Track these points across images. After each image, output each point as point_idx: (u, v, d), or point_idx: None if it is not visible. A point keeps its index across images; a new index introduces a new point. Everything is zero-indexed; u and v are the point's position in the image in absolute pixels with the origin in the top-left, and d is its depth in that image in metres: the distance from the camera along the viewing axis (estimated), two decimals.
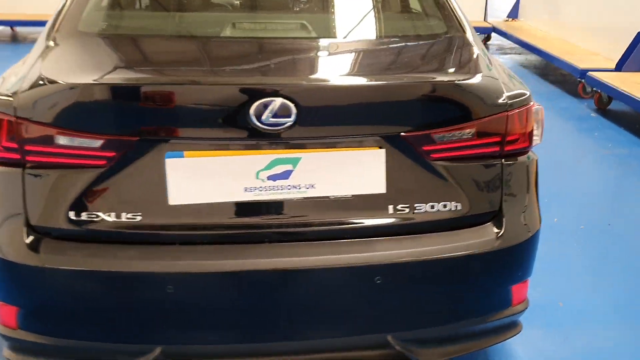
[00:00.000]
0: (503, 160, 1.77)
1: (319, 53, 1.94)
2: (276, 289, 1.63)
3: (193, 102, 1.58)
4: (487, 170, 1.76)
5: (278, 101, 1.53)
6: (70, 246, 1.60)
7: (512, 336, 1.98)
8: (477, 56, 1.92)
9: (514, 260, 1.81)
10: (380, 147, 1.65)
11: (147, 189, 1.60)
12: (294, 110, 1.55)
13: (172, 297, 1.59)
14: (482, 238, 1.73)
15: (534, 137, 1.86)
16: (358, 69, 1.84)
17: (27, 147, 1.57)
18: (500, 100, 1.73)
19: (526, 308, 1.92)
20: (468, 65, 1.89)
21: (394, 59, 1.90)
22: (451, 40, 2.06)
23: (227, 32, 2.01)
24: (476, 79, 1.75)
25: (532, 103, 1.81)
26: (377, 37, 2.15)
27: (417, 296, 1.73)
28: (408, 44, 2.02)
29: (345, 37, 2.07)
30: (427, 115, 1.68)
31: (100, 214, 1.60)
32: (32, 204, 1.59)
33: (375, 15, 2.24)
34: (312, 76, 1.78)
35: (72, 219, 1.60)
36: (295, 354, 1.75)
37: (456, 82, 1.72)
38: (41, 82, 1.60)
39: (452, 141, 1.69)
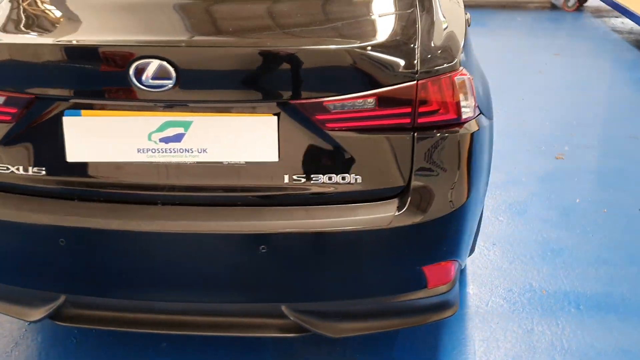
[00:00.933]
0: (415, 133, 1.65)
1: (217, 13, 1.84)
2: (164, 251, 1.65)
3: (81, 62, 1.61)
4: (394, 143, 1.65)
5: (155, 62, 1.53)
6: None
7: (444, 317, 1.88)
8: (407, 19, 1.78)
9: (423, 238, 1.70)
10: (273, 114, 1.60)
11: (49, 145, 1.66)
12: (172, 72, 1.53)
13: (67, 250, 1.66)
14: (380, 214, 1.64)
15: (463, 109, 1.72)
16: (251, 31, 1.76)
17: None
18: (407, 69, 1.60)
19: (450, 290, 1.81)
20: (383, 29, 1.76)
21: (301, 21, 1.80)
22: (394, 1, 1.92)
23: None
24: (378, 45, 1.63)
25: (454, 72, 1.67)
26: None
27: (308, 269, 1.68)
28: (335, 4, 1.89)
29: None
30: (321, 83, 1.60)
31: (9, 166, 1.70)
32: None
33: None
34: (195, 38, 1.72)
35: None
36: (191, 315, 1.77)
37: (352, 48, 1.61)
38: None
39: (350, 111, 1.60)
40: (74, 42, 1.64)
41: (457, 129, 1.71)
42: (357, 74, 1.60)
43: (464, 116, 1.72)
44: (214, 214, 1.65)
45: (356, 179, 1.65)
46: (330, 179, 1.65)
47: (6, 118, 1.66)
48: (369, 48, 1.61)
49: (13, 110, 1.64)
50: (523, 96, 4.71)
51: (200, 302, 1.74)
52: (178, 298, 1.74)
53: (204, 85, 1.59)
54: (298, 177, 1.65)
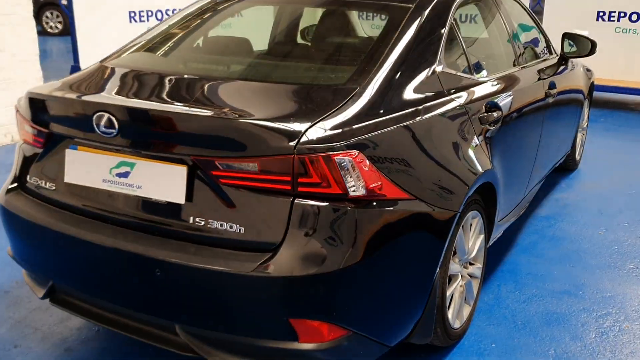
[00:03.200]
0: (295, 199, 1.90)
1: (159, 86, 2.34)
2: (101, 259, 2.14)
3: (75, 111, 2.21)
4: (275, 205, 1.92)
5: (105, 115, 2.06)
6: (25, 197, 2.41)
7: None
8: (317, 105, 2.06)
9: (286, 292, 1.91)
10: (184, 166, 2.01)
11: (58, 168, 2.30)
12: (115, 123, 2.04)
13: (52, 244, 2.25)
14: (248, 262, 1.90)
15: (349, 187, 1.92)
16: (174, 101, 2.20)
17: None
18: (287, 143, 1.88)
19: (326, 350, 1.95)
20: (285, 107, 2.05)
21: (215, 98, 2.19)
22: (325, 89, 2.21)
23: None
24: (264, 121, 1.93)
25: (337, 152, 1.89)
26: (251, 79, 2.44)
27: (191, 297, 2.01)
28: (275, 89, 2.25)
29: (217, 77, 2.42)
30: (216, 145, 1.96)
31: (37, 179, 2.37)
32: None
33: (274, 63, 2.51)
34: (133, 100, 2.21)
35: (27, 181, 2.40)
36: (123, 315, 2.21)
37: (240, 120, 1.94)
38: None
39: (238, 171, 1.93)
40: (74, 98, 2.27)
41: (341, 204, 1.92)
42: (244, 142, 1.93)
43: (351, 193, 1.92)
44: (134, 237, 2.09)
45: (240, 229, 1.95)
46: (221, 225, 1.98)
47: (38, 145, 2.34)
48: (254, 122, 1.94)
49: (41, 140, 2.32)
50: None
51: (121, 305, 2.18)
52: (108, 298, 2.20)
53: (136, 136, 2.07)
54: (199, 219, 2.01)
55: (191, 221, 2.03)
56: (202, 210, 2.01)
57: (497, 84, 2.93)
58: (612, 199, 4.50)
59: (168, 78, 2.40)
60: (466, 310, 2.74)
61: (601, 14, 7.58)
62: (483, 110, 2.67)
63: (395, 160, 2.10)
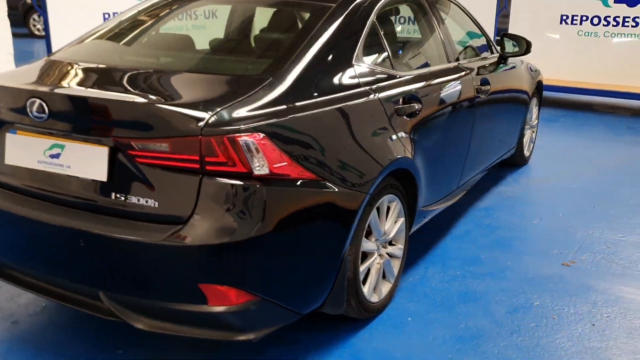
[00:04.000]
0: (204, 177, 2.12)
1: (87, 74, 2.57)
2: (38, 233, 2.36)
3: (12, 98, 2.43)
4: (185, 182, 2.14)
5: (37, 101, 2.27)
6: None
7: (236, 339, 2.25)
8: (230, 93, 2.29)
9: (193, 259, 2.13)
10: (106, 146, 2.22)
11: (0, 152, 2.51)
12: (46, 109, 2.26)
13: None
14: (161, 232, 2.12)
15: (255, 166, 2.14)
16: (98, 87, 2.43)
17: None
18: (194, 126, 2.10)
19: (234, 312, 2.17)
20: (195, 96, 2.29)
21: (149, 86, 2.41)
22: (241, 79, 2.44)
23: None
24: (175, 106, 2.16)
25: (241, 133, 2.11)
26: (174, 70, 2.63)
27: (110, 265, 2.22)
28: (195, 78, 2.48)
29: (145, 68, 2.61)
30: (132, 127, 2.18)
31: None
32: None
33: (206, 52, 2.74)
34: (63, 88, 2.43)
35: None
36: (59, 286, 2.42)
37: (154, 105, 2.17)
38: None
39: (151, 151, 2.15)
40: (11, 86, 2.48)
41: (245, 181, 2.14)
42: (156, 124, 2.15)
43: (255, 172, 2.14)
44: (66, 213, 2.30)
45: (155, 204, 2.17)
46: (138, 200, 2.19)
47: None
48: (163, 106, 2.17)
49: None
50: None
51: (55, 276, 2.40)
52: (44, 269, 2.41)
53: (64, 120, 2.29)
54: (119, 195, 2.23)
55: (113, 197, 2.24)
56: (122, 187, 2.23)
57: (420, 79, 3.16)
58: (553, 193, 4.74)
59: (99, 69, 2.63)
60: (386, 287, 2.95)
61: (564, 17, 7.83)
62: (401, 102, 2.90)
63: (303, 144, 2.32)
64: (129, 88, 2.45)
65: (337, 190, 2.41)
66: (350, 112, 2.58)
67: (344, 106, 2.56)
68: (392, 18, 3.48)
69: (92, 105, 2.26)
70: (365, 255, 2.78)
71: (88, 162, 2.28)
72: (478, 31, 4.31)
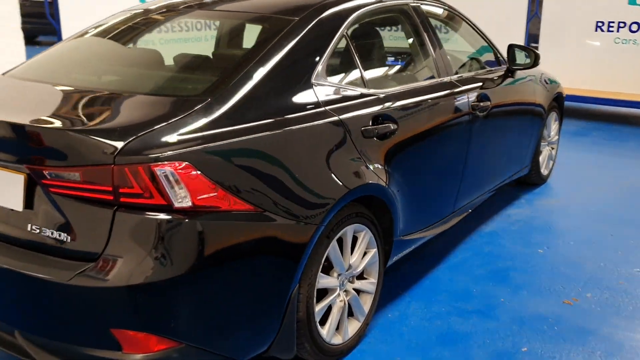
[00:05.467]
0: (118, 210, 1.91)
1: (28, 96, 2.40)
2: None
3: None
4: (98, 214, 1.93)
5: None
6: None
7: None
8: (158, 116, 2.06)
9: (102, 302, 1.91)
10: (22, 173, 2.04)
11: None
12: None
13: None
14: (68, 271, 1.92)
15: (175, 199, 1.91)
16: (24, 110, 2.24)
17: None
18: (106, 153, 1.89)
19: None
20: (117, 120, 2.07)
21: (71, 109, 2.21)
22: (178, 100, 2.19)
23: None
24: (88, 131, 1.95)
25: (157, 163, 1.89)
26: (111, 90, 2.36)
27: (20, 303, 2.03)
28: (128, 99, 2.25)
29: (80, 88, 2.40)
30: (45, 154, 1.99)
31: None
32: None
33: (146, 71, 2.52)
34: None
35: None
36: None
37: (65, 130, 1.97)
38: None
39: (64, 180, 1.95)
40: None
41: (165, 215, 1.92)
42: (68, 151, 1.95)
43: (176, 204, 1.92)
44: None
45: (67, 238, 1.97)
46: (52, 233, 2.00)
47: None
48: (80, 132, 1.96)
49: None
50: None
51: None
52: None
53: None
54: (35, 226, 2.04)
55: (29, 228, 2.05)
56: (38, 218, 2.04)
57: (397, 97, 2.87)
58: (568, 217, 4.35)
59: (37, 88, 2.45)
60: (353, 326, 2.68)
61: (600, 24, 7.36)
62: (370, 123, 2.63)
63: (240, 172, 2.08)
64: (53, 111, 2.26)
65: (280, 222, 2.16)
66: (301, 135, 2.33)
67: (295, 129, 2.30)
68: (371, 31, 3.20)
69: (9, 129, 2.08)
70: (326, 292, 2.52)
71: (5, 189, 2.10)
72: (485, 43, 3.99)
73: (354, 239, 2.63)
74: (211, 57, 2.89)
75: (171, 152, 1.93)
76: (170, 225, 1.93)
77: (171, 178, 1.91)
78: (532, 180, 4.83)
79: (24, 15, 6.01)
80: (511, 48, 3.92)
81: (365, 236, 2.66)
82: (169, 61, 2.77)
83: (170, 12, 3.07)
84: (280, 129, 2.25)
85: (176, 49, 2.99)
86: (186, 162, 1.94)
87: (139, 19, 3.00)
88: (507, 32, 7.78)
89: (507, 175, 4.20)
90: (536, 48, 7.95)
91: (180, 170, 1.92)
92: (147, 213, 1.92)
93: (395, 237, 2.88)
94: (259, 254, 2.14)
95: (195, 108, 2.11)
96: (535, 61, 3.89)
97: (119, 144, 1.91)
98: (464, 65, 3.85)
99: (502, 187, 4.25)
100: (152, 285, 1.91)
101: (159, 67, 2.68)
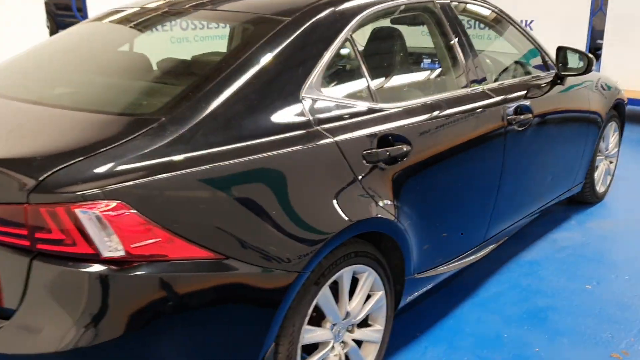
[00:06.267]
0: (35, 258, 1.58)
1: None
2: None
3: None
4: (13, 263, 1.62)
5: None
6: None
7: None
8: (92, 141, 1.72)
9: None
10: None
11: None
12: None
13: None
14: None
15: (103, 246, 1.57)
16: None
17: None
18: (19, 190, 1.56)
19: None
20: (41, 146, 1.73)
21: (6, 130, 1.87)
22: (124, 120, 1.85)
23: None
24: (3, 162, 1.62)
25: (81, 203, 1.54)
26: (56, 105, 2.02)
27: None
28: (68, 118, 1.92)
29: (43, 101, 2.07)
30: None
31: None
32: None
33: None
34: None
35: None
36: None
37: None
38: None
39: None
40: None
41: (91, 266, 1.58)
42: None
43: (105, 253, 1.58)
44: None
45: None
46: None
47: None
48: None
49: None
50: None
51: None
52: None
53: None
54: None
55: None
56: None
57: (411, 112, 2.44)
58: (626, 243, 3.80)
59: None
60: None
61: None
62: (374, 145, 2.22)
63: (196, 209, 1.72)
64: None
65: (248, 272, 1.79)
66: (281, 162, 1.93)
67: (273, 155, 1.91)
68: (385, 35, 2.77)
69: None
70: (317, 346, 2.14)
71: None
72: (532, 46, 3.48)
73: (355, 280, 2.24)
74: (186, 64, 2.52)
75: (99, 188, 1.57)
76: (96, 279, 1.58)
77: (99, 221, 1.56)
78: (586, 199, 4.28)
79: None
80: (561, 51, 3.41)
81: (369, 278, 2.26)
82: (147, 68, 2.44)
83: (156, 12, 2.71)
84: (252, 155, 1.86)
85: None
86: (118, 201, 1.58)
87: (125, 19, 2.67)
88: (568, 29, 7.15)
89: (554, 195, 3.69)
90: (600, 46, 7.29)
91: (108, 212, 1.57)
92: (69, 263, 1.58)
93: (407, 276, 2.47)
94: (219, 313, 1.78)
95: (143, 130, 1.75)
96: (587, 67, 3.36)
97: (35, 179, 1.57)
98: (505, 72, 3.37)
99: (549, 207, 3.75)
100: (71, 355, 1.57)
101: (131, 76, 2.34)
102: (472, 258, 2.97)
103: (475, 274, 3.32)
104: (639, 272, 3.39)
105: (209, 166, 1.76)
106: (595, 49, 8.25)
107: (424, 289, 2.68)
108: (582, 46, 7.19)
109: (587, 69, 3.37)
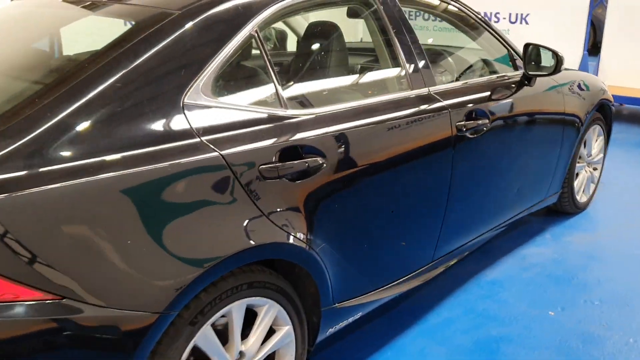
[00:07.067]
0: None
1: None
2: None
3: None
4: None
5: None
6: None
7: None
8: None
9: None
10: None
11: None
12: None
13: None
14: None
15: None
16: None
17: None
18: None
19: None
20: None
21: None
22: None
23: None
24: None
25: None
26: None
27: None
28: None
29: None
30: None
31: None
32: None
33: None
34: None
35: None
36: None
37: None
38: None
39: None
40: None
41: None
42: None
43: None
44: None
45: None
46: None
47: None
48: None
49: None
50: None
51: None
52: None
53: None
54: None
55: None
56: None
57: (327, 119, 2.11)
58: (602, 261, 3.44)
59: None
60: None
61: None
62: (275, 158, 1.90)
63: (25, 239, 1.41)
64: None
65: (93, 314, 1.49)
66: (147, 179, 1.61)
67: (132, 173, 1.59)
68: (313, 30, 2.44)
69: None
70: None
71: None
72: (499, 42, 3.13)
73: (254, 314, 1.93)
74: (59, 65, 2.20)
75: None
76: None
77: None
78: (565, 209, 3.92)
79: None
80: (528, 48, 3.05)
81: (270, 311, 1.95)
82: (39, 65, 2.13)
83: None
84: (107, 172, 1.56)
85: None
86: None
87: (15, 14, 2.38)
88: (566, 21, 6.75)
89: (523, 207, 3.35)
90: (600, 40, 6.89)
91: None
92: None
93: (325, 307, 2.16)
94: None
95: None
96: (557, 66, 3.00)
97: None
98: (465, 72, 3.03)
99: (521, 219, 3.41)
100: None
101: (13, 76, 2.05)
102: (416, 280, 2.65)
103: (426, 296, 2.99)
104: (611, 296, 3.04)
105: (44, 188, 1.46)
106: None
107: (351, 319, 2.37)
108: (581, 41, 6.79)
109: (556, 69, 3.01)
